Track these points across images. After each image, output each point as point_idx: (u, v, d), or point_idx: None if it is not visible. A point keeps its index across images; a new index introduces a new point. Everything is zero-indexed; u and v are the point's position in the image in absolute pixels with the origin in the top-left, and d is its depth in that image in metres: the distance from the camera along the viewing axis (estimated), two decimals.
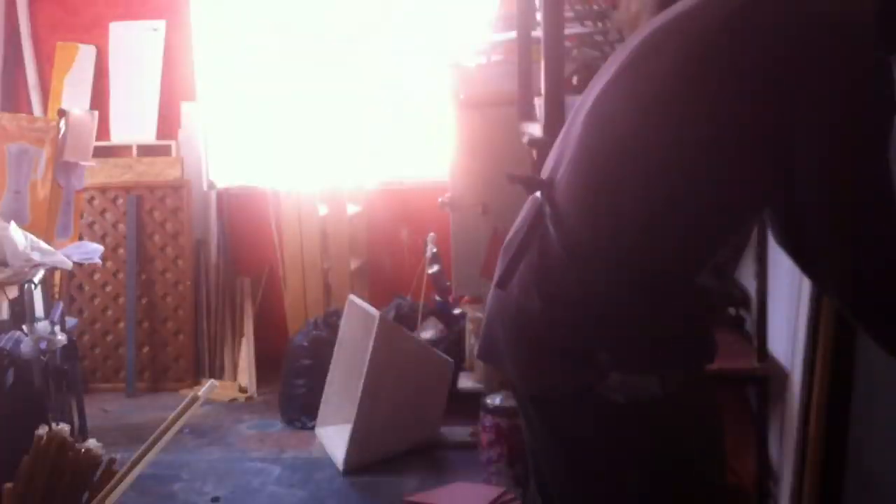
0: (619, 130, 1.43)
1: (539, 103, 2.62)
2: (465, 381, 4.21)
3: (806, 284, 2.35)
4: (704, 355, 1.48)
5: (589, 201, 1.44)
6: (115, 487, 2.51)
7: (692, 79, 1.34)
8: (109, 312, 4.91)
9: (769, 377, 2.44)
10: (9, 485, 2.57)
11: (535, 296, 1.49)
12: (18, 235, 3.48)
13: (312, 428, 4.10)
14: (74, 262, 3.81)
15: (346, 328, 4.09)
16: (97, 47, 5.07)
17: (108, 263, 4.85)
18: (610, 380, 1.41)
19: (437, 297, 4.63)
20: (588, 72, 3.73)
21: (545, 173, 1.56)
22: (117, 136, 5.00)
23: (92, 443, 2.71)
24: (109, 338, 4.92)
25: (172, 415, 2.59)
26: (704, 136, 1.33)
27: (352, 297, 4.18)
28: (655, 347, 1.43)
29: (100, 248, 4.00)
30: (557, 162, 1.54)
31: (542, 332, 1.48)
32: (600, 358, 1.42)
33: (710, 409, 1.53)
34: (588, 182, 1.45)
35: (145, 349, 4.89)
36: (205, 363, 4.88)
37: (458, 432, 3.95)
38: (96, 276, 4.90)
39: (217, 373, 4.83)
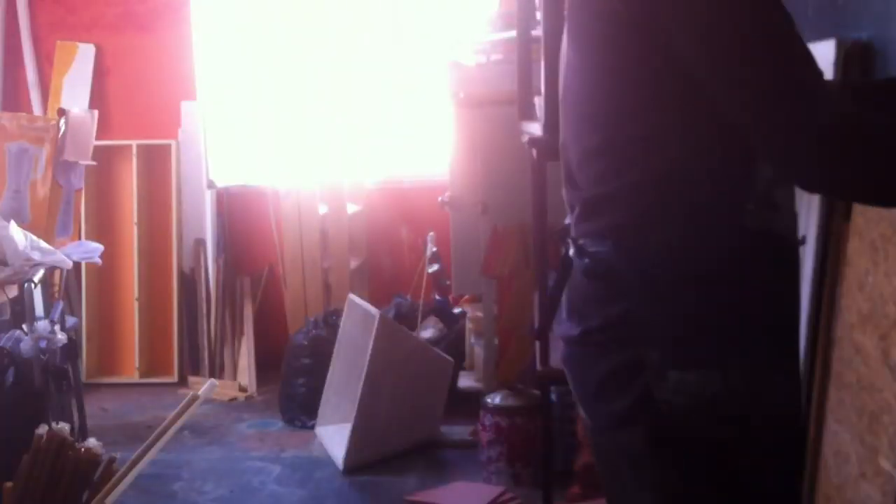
0: (588, 110, 1.47)
1: (539, 103, 2.62)
2: (465, 381, 4.21)
3: (805, 284, 2.34)
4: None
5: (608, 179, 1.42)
6: (115, 487, 2.51)
7: (616, 44, 1.40)
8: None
9: None
10: (9, 484, 2.57)
11: (575, 326, 1.48)
12: (18, 235, 3.48)
13: (312, 427, 4.10)
14: (74, 261, 3.81)
15: (346, 327, 4.09)
16: (97, 46, 5.07)
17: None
18: (668, 381, 1.35)
19: (437, 297, 4.63)
20: None
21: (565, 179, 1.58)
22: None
23: (92, 442, 2.71)
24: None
25: (172, 414, 2.60)
26: (644, 76, 1.37)
27: (352, 296, 4.18)
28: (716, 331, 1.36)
29: (100, 246, 4.00)
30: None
31: (590, 359, 1.47)
32: (653, 358, 1.37)
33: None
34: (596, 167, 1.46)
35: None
36: (204, 362, 4.87)
37: (458, 432, 3.95)
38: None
39: (217, 372, 4.83)
